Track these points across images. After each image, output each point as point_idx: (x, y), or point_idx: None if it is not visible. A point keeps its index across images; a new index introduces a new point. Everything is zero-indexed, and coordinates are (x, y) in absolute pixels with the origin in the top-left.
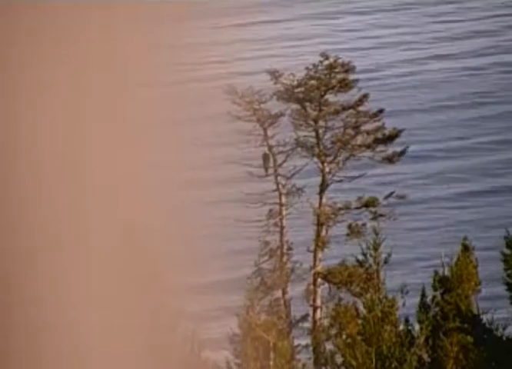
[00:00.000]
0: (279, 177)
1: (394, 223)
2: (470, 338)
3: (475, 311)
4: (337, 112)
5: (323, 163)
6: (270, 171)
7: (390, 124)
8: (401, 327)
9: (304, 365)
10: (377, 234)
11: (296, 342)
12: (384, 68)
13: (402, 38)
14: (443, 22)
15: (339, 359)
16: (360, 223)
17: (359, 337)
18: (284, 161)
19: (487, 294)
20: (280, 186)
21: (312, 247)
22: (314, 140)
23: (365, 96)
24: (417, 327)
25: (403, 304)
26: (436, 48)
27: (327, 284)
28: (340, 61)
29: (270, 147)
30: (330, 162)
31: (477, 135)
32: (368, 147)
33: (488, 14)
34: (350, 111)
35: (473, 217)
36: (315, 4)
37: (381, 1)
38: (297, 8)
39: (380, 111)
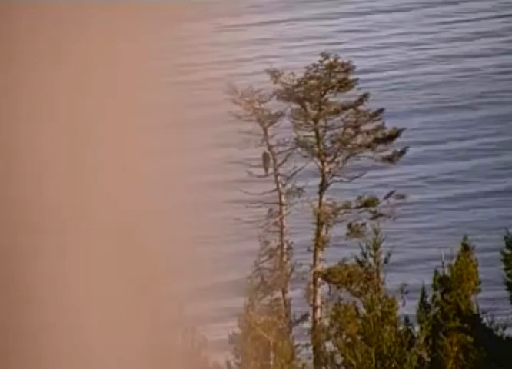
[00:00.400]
0: (279, 177)
1: (394, 224)
2: (470, 338)
3: (475, 311)
4: (337, 112)
5: (323, 162)
6: (270, 170)
7: (390, 125)
8: (401, 326)
9: (304, 365)
10: (376, 233)
11: (296, 342)
12: (384, 69)
13: (402, 39)
14: (443, 23)
15: (339, 359)
16: (360, 222)
17: (359, 337)
18: (284, 161)
19: (486, 296)
20: (280, 186)
21: (312, 247)
22: (313, 139)
23: (365, 96)
24: (417, 327)
25: (404, 304)
26: (436, 48)
27: (327, 284)
28: (340, 60)
29: (270, 147)
30: (330, 162)
31: (477, 136)
32: (368, 146)
33: (488, 15)
34: (350, 110)
35: (472, 219)
36: (315, 5)
37: (381, 1)
38: (297, 8)
39: (380, 110)
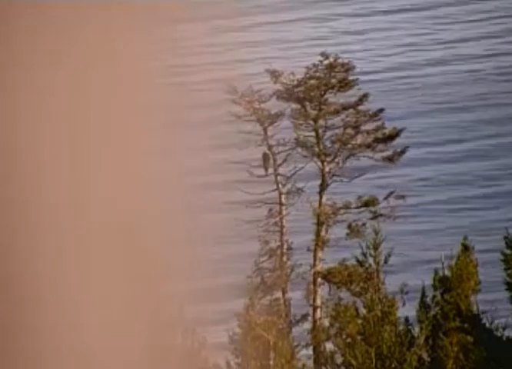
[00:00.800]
0: (279, 177)
1: (393, 226)
2: (470, 338)
3: (475, 311)
4: (337, 112)
5: (323, 162)
6: (270, 170)
7: (389, 126)
8: (401, 326)
9: (304, 365)
10: (376, 233)
11: (296, 342)
12: (383, 71)
13: (404, 41)
14: (442, 24)
15: (339, 359)
16: (360, 223)
17: (359, 337)
18: (284, 161)
19: (486, 296)
20: (280, 186)
21: (312, 247)
22: (313, 139)
23: (365, 96)
24: (417, 327)
25: (403, 304)
26: (437, 50)
27: (327, 284)
28: (340, 60)
29: (270, 147)
30: (330, 162)
31: (477, 138)
32: (368, 146)
33: (487, 16)
34: (350, 110)
35: (472, 221)
36: (315, 7)
37: (380, 3)
38: (297, 10)
39: (380, 110)
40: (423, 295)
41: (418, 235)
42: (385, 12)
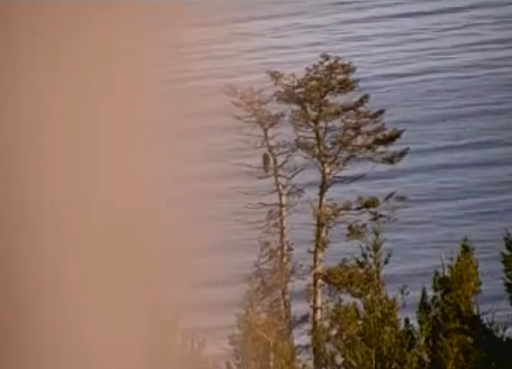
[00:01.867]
0: (279, 178)
1: (393, 233)
2: (470, 339)
3: (475, 312)
4: (337, 113)
5: (323, 164)
6: (271, 171)
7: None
8: (401, 327)
9: (304, 366)
10: (377, 234)
11: (296, 342)
12: (388, 76)
13: (408, 47)
14: (442, 30)
15: (339, 360)
16: (360, 224)
17: (359, 338)
18: (285, 162)
19: (486, 297)
20: (280, 187)
21: (312, 248)
22: (314, 141)
23: (365, 97)
24: (417, 327)
25: (404, 305)
26: (437, 53)
27: (327, 285)
28: (340, 61)
29: (270, 148)
30: (331, 163)
31: (481, 145)
32: (368, 147)
33: (488, 21)
34: (351, 111)
35: (472, 229)
36: (319, 12)
37: (377, 9)
38: (302, 14)
39: (381, 111)
40: (424, 296)
41: (418, 243)
42: (392, 16)
